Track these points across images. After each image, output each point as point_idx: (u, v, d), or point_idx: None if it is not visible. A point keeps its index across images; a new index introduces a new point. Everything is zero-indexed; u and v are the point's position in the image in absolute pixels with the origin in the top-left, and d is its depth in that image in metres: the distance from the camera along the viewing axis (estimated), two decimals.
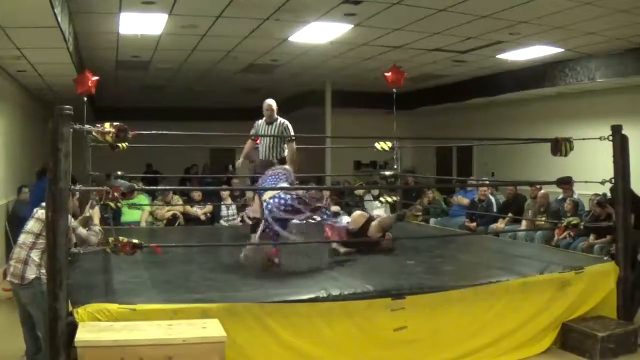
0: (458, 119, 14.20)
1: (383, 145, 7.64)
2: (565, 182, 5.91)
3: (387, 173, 8.38)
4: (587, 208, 8.08)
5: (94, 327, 3.54)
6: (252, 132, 6.70)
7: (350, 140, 12.55)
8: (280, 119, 6.55)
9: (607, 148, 5.48)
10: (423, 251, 6.20)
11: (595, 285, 5.16)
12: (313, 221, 5.47)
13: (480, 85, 12.04)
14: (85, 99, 6.15)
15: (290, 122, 6.57)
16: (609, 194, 6.01)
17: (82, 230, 4.39)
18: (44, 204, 4.23)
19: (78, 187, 4.14)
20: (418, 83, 12.64)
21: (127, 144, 4.87)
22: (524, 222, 8.59)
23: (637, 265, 5.62)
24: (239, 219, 9.02)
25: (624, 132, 5.41)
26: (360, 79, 12.29)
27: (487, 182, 10.59)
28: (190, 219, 9.10)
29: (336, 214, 8.19)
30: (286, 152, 6.53)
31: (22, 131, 10.63)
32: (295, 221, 5.32)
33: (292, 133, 6.53)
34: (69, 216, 3.97)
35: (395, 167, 8.41)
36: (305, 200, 5.22)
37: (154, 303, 3.93)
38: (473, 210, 9.28)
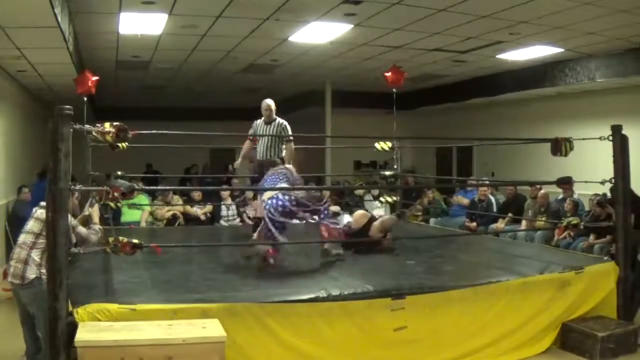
0: (458, 119, 14.20)
1: (383, 145, 7.64)
2: (565, 182, 5.92)
3: (387, 173, 8.39)
4: (587, 208, 8.07)
5: (94, 327, 3.54)
6: (251, 132, 6.70)
7: (350, 140, 12.54)
8: (279, 119, 6.55)
9: (607, 148, 5.47)
10: (423, 251, 6.20)
11: (595, 285, 5.16)
12: (313, 221, 5.46)
13: (480, 85, 12.04)
14: (85, 99, 6.16)
15: (290, 123, 6.57)
16: (609, 194, 6.00)
17: (82, 229, 4.39)
18: (43, 203, 4.23)
19: (78, 187, 4.13)
20: (418, 83, 12.64)
21: (127, 144, 4.89)
22: (524, 222, 8.59)
23: (637, 265, 5.62)
24: (239, 219, 9.04)
25: (624, 132, 5.41)
26: (360, 79, 12.29)
27: (487, 182, 10.59)
28: (190, 219, 9.10)
29: (336, 214, 8.20)
30: (284, 153, 6.52)
31: (22, 131, 10.63)
32: (294, 221, 5.32)
33: (291, 133, 6.53)
34: (69, 215, 3.97)
35: (395, 167, 8.41)
36: (303, 203, 5.19)
37: (154, 303, 3.93)
38: (473, 210, 9.28)
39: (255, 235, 5.62)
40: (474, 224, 9.09)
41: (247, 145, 6.78)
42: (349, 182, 12.59)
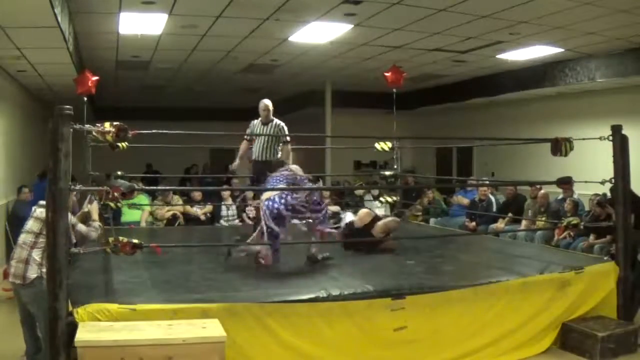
0: (458, 119, 14.20)
1: (383, 146, 7.64)
2: (565, 182, 5.92)
3: (387, 173, 8.39)
4: (587, 208, 8.07)
5: (94, 327, 3.54)
6: (248, 132, 6.70)
7: (350, 140, 12.54)
8: (276, 120, 6.54)
9: (607, 148, 5.47)
10: (423, 251, 6.20)
11: (595, 285, 5.16)
12: (311, 221, 5.43)
13: (480, 85, 12.04)
14: (85, 99, 6.16)
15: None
16: (609, 194, 6.00)
17: (81, 226, 4.38)
18: (42, 202, 4.23)
19: (78, 187, 4.13)
20: (418, 83, 12.64)
21: (127, 143, 4.89)
22: (524, 222, 8.59)
23: (637, 265, 5.62)
24: (239, 219, 9.04)
25: (624, 132, 5.41)
26: (360, 79, 12.29)
27: (487, 182, 10.59)
28: (190, 219, 9.10)
29: (336, 214, 8.19)
30: (280, 154, 6.52)
31: (22, 131, 10.64)
32: (295, 221, 5.31)
33: (287, 135, 6.53)
34: (68, 213, 3.96)
35: (395, 167, 8.41)
36: (298, 210, 5.15)
37: (154, 303, 3.93)
38: (473, 210, 9.28)
39: (254, 235, 5.62)
40: (474, 223, 9.09)
41: (244, 145, 6.78)
42: (349, 182, 12.60)
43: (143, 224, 8.67)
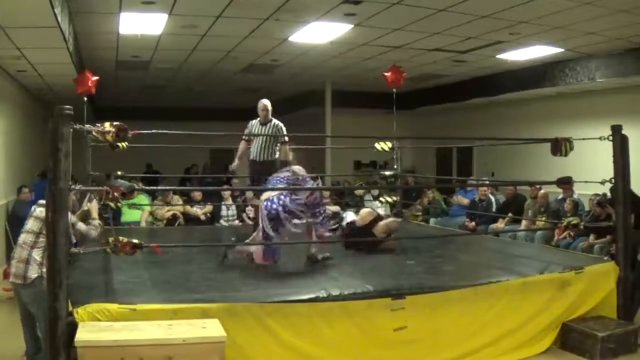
0: (458, 119, 14.20)
1: (383, 146, 7.64)
2: (565, 182, 5.91)
3: (387, 173, 8.38)
4: (587, 208, 8.07)
5: (94, 327, 3.54)
6: (246, 132, 6.70)
7: (350, 140, 12.54)
8: (275, 121, 6.54)
9: (607, 148, 5.47)
10: (423, 251, 6.20)
11: (595, 285, 5.16)
12: (311, 220, 5.42)
13: (480, 85, 12.04)
14: (85, 99, 6.16)
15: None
16: (609, 194, 6.00)
17: (81, 225, 4.38)
18: (41, 201, 4.23)
19: (78, 187, 4.13)
20: (418, 83, 12.64)
21: (127, 143, 4.89)
22: (524, 222, 8.59)
23: (637, 265, 5.62)
24: (239, 220, 9.04)
25: (624, 132, 5.41)
26: (360, 79, 12.29)
27: (487, 182, 10.59)
28: (190, 219, 9.10)
29: (336, 214, 8.19)
30: (277, 154, 6.52)
31: (22, 131, 10.64)
32: (296, 221, 5.30)
33: (286, 135, 6.53)
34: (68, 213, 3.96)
35: (395, 167, 8.41)
36: (294, 211, 5.14)
37: (154, 303, 3.93)
38: (473, 210, 9.28)
39: (254, 235, 5.61)
40: (473, 223, 9.09)
41: (243, 145, 6.78)
42: (349, 182, 12.59)
43: (143, 224, 8.68)
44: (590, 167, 6.69)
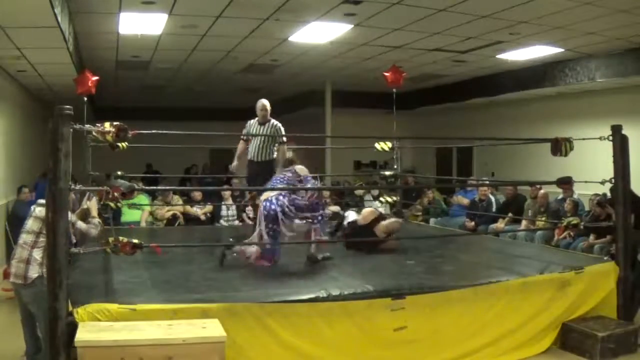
0: (458, 119, 14.20)
1: (383, 146, 7.64)
2: (565, 182, 5.92)
3: (387, 173, 8.38)
4: (587, 208, 8.07)
5: (94, 327, 3.54)
6: (244, 132, 6.69)
7: (350, 140, 12.53)
8: (273, 121, 6.53)
9: (607, 148, 5.47)
10: (423, 251, 6.20)
11: (595, 285, 5.16)
12: (310, 221, 5.42)
13: (480, 85, 12.04)
14: (85, 99, 6.16)
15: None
16: (609, 194, 6.00)
17: (81, 224, 4.37)
18: (40, 200, 4.23)
19: (78, 187, 4.13)
20: (418, 83, 12.64)
21: (127, 143, 4.89)
22: (523, 222, 8.59)
23: (637, 265, 5.61)
24: (239, 220, 9.04)
25: (624, 132, 5.41)
26: (360, 79, 12.30)
27: (487, 182, 10.59)
28: (190, 219, 9.10)
29: (336, 214, 8.18)
30: (275, 154, 6.52)
31: (22, 131, 10.64)
32: (297, 221, 5.29)
33: (284, 135, 6.53)
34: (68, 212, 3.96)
35: (395, 167, 8.41)
36: (293, 213, 5.14)
37: (154, 303, 3.93)
38: (473, 210, 9.28)
39: (253, 235, 5.60)
40: (473, 223, 9.09)
41: (241, 145, 6.77)
42: (349, 182, 12.59)
43: (143, 224, 8.67)
44: (590, 167, 6.69)
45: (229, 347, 3.63)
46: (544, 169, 9.15)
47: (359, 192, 10.57)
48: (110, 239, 4.14)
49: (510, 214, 8.77)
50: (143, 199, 8.84)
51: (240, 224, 8.79)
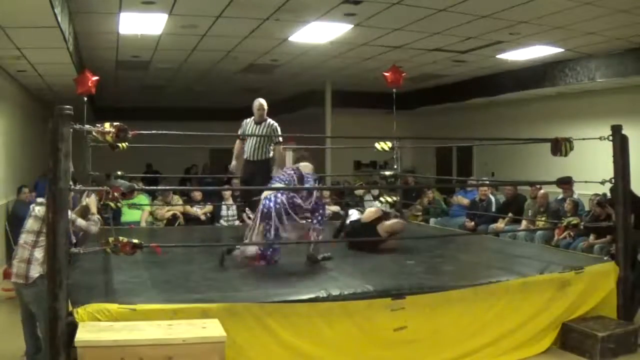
0: (458, 119, 14.20)
1: (383, 145, 7.64)
2: (565, 182, 5.91)
3: (387, 173, 8.38)
4: (587, 208, 8.08)
5: (94, 327, 3.53)
6: (240, 131, 6.70)
7: (350, 140, 12.54)
8: (270, 120, 6.54)
9: (607, 148, 5.47)
10: (423, 251, 6.19)
11: (595, 285, 5.16)
12: (310, 220, 5.42)
13: (480, 85, 12.04)
14: (85, 99, 6.16)
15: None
16: (609, 194, 6.00)
17: (81, 221, 4.36)
18: (39, 199, 4.23)
19: (78, 187, 4.13)
20: (418, 83, 12.64)
21: (127, 144, 4.88)
22: (524, 222, 8.59)
23: (637, 265, 5.61)
24: (239, 220, 9.03)
25: (624, 132, 5.41)
26: (360, 79, 12.30)
27: (487, 182, 10.59)
28: (190, 219, 9.10)
29: (336, 214, 8.19)
30: (272, 154, 6.52)
31: (22, 131, 10.64)
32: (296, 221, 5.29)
33: (280, 134, 6.53)
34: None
35: (395, 167, 8.41)
36: (290, 212, 5.13)
37: (154, 303, 3.93)
38: (473, 210, 9.28)
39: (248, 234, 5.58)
40: (473, 223, 9.09)
41: (238, 145, 6.77)
42: (349, 182, 12.59)
43: (143, 224, 8.67)
44: (590, 167, 6.69)
45: (229, 347, 3.62)
46: (544, 169, 9.16)
47: (359, 192, 10.57)
48: (110, 239, 4.13)
49: (510, 214, 8.77)
50: (143, 199, 8.84)
51: (241, 224, 8.77)
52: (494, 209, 9.14)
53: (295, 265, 5.36)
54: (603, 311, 5.11)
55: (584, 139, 5.37)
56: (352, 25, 7.86)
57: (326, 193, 8.99)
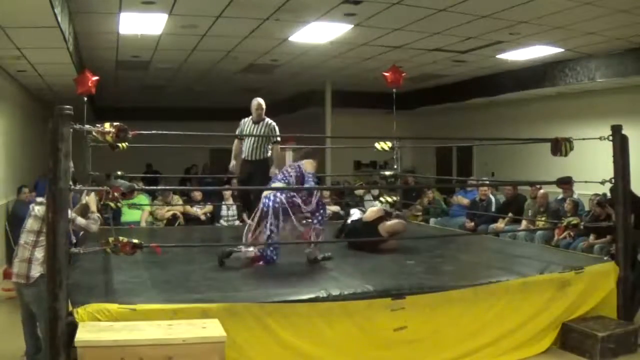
0: (458, 119, 14.20)
1: (383, 145, 7.64)
2: (565, 182, 5.92)
3: (387, 173, 8.38)
4: (587, 208, 8.08)
5: (94, 327, 3.53)
6: (238, 130, 6.70)
7: (350, 140, 12.54)
8: (268, 120, 6.54)
9: (607, 148, 5.47)
10: (423, 251, 6.19)
11: (595, 285, 5.16)
12: (310, 220, 5.42)
13: (480, 85, 12.04)
14: (85, 99, 6.16)
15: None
16: (609, 194, 6.00)
17: (80, 220, 4.35)
18: (38, 199, 4.23)
19: (78, 187, 4.13)
20: (418, 83, 12.64)
21: (127, 144, 4.88)
22: (523, 222, 8.59)
23: (637, 265, 5.61)
24: (239, 220, 9.03)
25: (624, 132, 5.41)
26: (360, 79, 12.30)
27: (487, 182, 10.59)
28: (190, 219, 9.10)
29: (336, 214, 8.19)
30: (270, 153, 6.51)
31: (22, 131, 10.64)
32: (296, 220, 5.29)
33: (278, 134, 6.53)
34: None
35: (395, 167, 8.41)
36: (289, 211, 5.13)
37: (154, 303, 3.93)
38: (473, 210, 9.28)
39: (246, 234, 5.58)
40: (472, 223, 9.09)
41: (237, 144, 6.77)
42: (349, 182, 12.59)
43: (143, 224, 8.67)
44: (590, 167, 6.69)
45: (229, 347, 3.62)
46: (544, 169, 9.16)
47: (359, 192, 10.57)
48: (110, 239, 4.13)
49: (510, 214, 8.77)
50: (143, 199, 8.84)
51: (241, 224, 8.78)
52: (494, 209, 9.14)
53: (295, 265, 5.36)
54: (603, 311, 5.11)
55: (584, 139, 5.38)
56: (352, 25, 7.86)
57: (326, 193, 8.99)
